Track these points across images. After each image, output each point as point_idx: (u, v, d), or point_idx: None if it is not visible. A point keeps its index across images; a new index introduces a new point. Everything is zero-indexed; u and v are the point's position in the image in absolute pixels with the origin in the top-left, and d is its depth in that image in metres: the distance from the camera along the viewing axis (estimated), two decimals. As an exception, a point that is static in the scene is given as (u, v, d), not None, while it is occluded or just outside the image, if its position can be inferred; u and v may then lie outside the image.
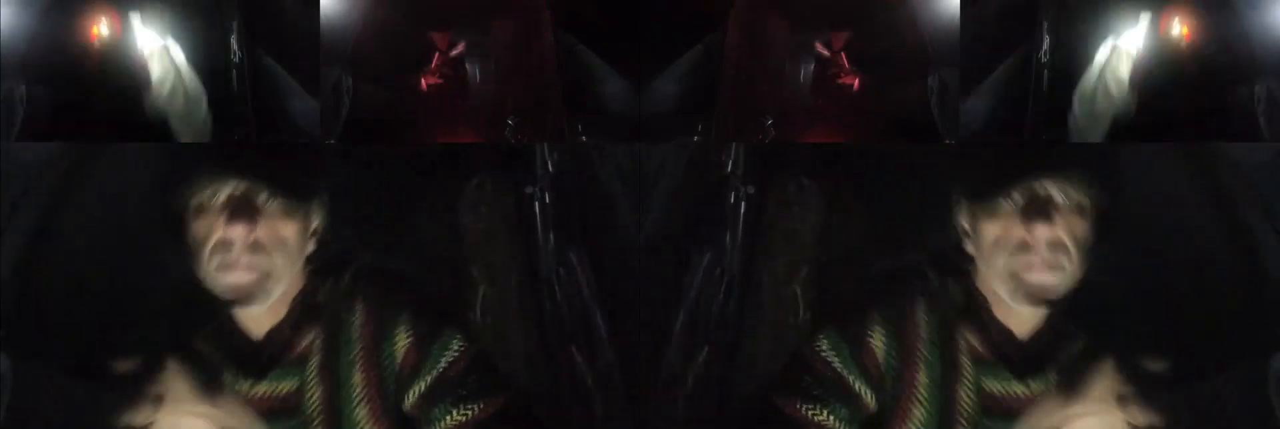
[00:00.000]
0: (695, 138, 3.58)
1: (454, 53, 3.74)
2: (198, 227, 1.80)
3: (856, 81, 3.71)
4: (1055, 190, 1.77)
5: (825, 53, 3.72)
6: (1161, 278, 2.93)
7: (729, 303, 2.92)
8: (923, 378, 1.78)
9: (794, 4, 3.80)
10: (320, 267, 1.92)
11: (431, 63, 3.76)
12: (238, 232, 1.78)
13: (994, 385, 1.77)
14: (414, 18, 3.79)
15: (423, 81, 3.72)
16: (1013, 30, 3.66)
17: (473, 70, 3.73)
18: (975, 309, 1.77)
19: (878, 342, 1.87)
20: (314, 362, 1.80)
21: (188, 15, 3.47)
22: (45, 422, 2.71)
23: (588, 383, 2.92)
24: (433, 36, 3.75)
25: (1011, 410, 1.76)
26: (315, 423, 1.79)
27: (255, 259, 1.79)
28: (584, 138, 3.60)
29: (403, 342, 1.89)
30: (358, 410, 1.80)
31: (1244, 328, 2.74)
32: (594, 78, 3.80)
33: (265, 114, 3.57)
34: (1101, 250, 2.96)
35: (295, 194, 1.83)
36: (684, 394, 2.93)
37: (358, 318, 1.90)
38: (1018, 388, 1.78)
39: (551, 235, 2.97)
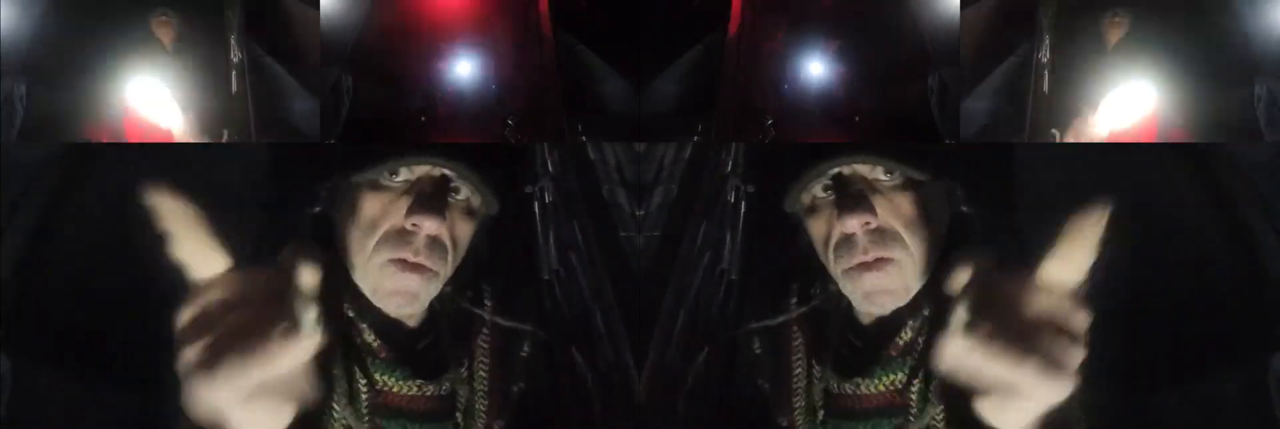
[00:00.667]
0: (695, 138, 3.58)
1: (454, 53, 3.75)
2: (369, 205, 1.48)
3: (856, 83, 3.72)
4: (867, 167, 1.53)
5: (825, 53, 3.73)
6: (1161, 278, 2.93)
7: (729, 303, 2.91)
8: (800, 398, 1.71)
9: (794, 4, 3.80)
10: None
11: (431, 64, 3.76)
12: (424, 222, 1.46)
13: (839, 387, 1.65)
14: (414, 18, 3.79)
15: (422, 82, 3.73)
16: (1013, 30, 3.66)
17: (473, 70, 3.73)
18: (840, 317, 1.65)
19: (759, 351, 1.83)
20: (471, 368, 1.67)
21: (188, 15, 3.48)
22: (45, 422, 2.71)
23: (588, 383, 2.92)
24: (432, 37, 3.75)
25: (854, 415, 1.61)
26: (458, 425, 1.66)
27: (435, 258, 1.51)
28: (584, 138, 3.60)
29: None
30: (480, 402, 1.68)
31: (1244, 328, 2.74)
32: (594, 78, 3.80)
33: (265, 114, 3.57)
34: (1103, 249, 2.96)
35: (491, 182, 1.53)
36: (684, 394, 2.92)
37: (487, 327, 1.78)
38: (856, 388, 1.65)
39: (551, 235, 2.97)
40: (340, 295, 1.56)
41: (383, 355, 1.60)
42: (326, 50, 3.61)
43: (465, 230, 1.65)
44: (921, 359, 1.56)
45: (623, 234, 3.09)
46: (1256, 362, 2.67)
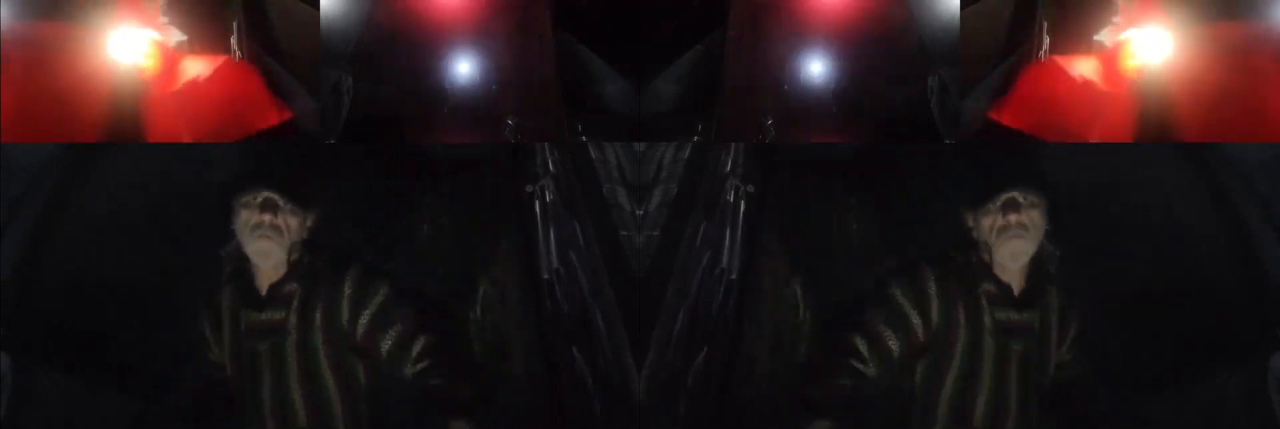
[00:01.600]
0: (695, 138, 3.58)
1: (454, 53, 3.74)
2: (243, 214, 2.68)
3: (856, 83, 3.72)
4: (1019, 194, 2.67)
5: (825, 53, 3.73)
6: (1162, 278, 2.93)
7: (729, 303, 2.91)
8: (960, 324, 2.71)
9: (794, 4, 3.80)
10: (316, 249, 2.75)
11: (431, 64, 3.76)
12: (267, 218, 2.67)
13: (1002, 315, 2.70)
14: (414, 18, 3.79)
15: (422, 82, 3.73)
16: (1013, 30, 3.66)
17: (473, 70, 3.73)
18: (986, 272, 2.71)
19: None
20: (296, 303, 2.71)
21: (189, 15, 3.47)
22: (45, 421, 2.71)
23: (588, 383, 2.92)
24: (432, 37, 3.75)
25: (1015, 330, 2.69)
26: (291, 338, 2.71)
27: (275, 235, 2.70)
28: (584, 138, 3.60)
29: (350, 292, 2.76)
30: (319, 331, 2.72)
31: (1244, 328, 2.75)
32: (594, 78, 3.80)
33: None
34: (1104, 249, 2.97)
35: (300, 201, 2.69)
36: (684, 394, 2.93)
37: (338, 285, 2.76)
38: (1017, 316, 2.70)
39: (551, 235, 2.97)
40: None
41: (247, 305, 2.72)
42: (326, 50, 3.61)
43: (293, 221, 2.68)
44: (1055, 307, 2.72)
45: (623, 234, 3.09)
46: (1256, 362, 2.67)
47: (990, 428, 2.64)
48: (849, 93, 3.71)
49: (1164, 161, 3.01)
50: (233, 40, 3.52)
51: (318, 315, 2.67)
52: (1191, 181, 2.96)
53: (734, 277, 2.92)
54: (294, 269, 2.67)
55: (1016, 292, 2.64)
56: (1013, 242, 2.58)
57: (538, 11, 3.78)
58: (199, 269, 2.72)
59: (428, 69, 3.74)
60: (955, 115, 3.58)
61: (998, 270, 2.65)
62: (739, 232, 2.95)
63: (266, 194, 2.65)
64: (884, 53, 3.74)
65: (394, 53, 3.77)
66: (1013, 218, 2.60)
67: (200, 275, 2.70)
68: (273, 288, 2.66)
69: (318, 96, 3.61)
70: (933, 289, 2.67)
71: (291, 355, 2.65)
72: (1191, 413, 2.79)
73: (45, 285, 2.86)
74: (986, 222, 2.62)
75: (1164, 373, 2.82)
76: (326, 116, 3.60)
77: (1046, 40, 3.52)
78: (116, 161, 3.01)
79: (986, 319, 2.64)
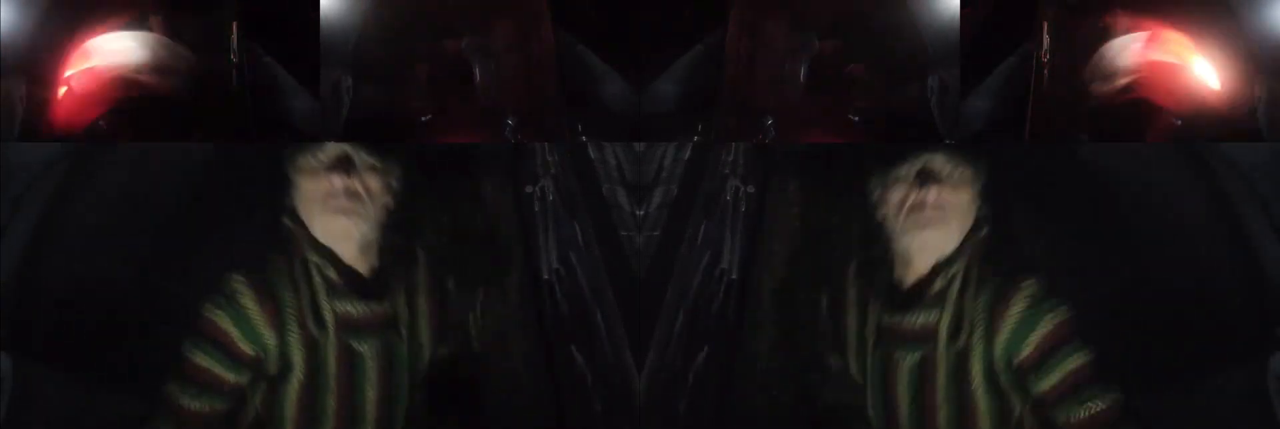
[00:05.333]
0: (695, 138, 3.58)
1: (454, 53, 3.75)
2: (306, 184, 2.14)
3: (855, 82, 3.72)
4: (943, 160, 2.15)
5: (825, 53, 3.73)
6: (1161, 278, 2.93)
7: (729, 303, 2.92)
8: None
9: (794, 4, 3.80)
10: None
11: (432, 63, 3.76)
12: (335, 179, 2.13)
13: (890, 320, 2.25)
14: (414, 18, 3.79)
15: (423, 81, 3.73)
16: (1013, 30, 3.66)
17: (473, 70, 3.73)
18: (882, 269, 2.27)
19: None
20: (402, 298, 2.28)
21: (188, 15, 3.47)
22: (45, 421, 2.71)
23: (588, 383, 2.92)
24: (432, 37, 3.76)
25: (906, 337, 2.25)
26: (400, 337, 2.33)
27: (351, 202, 2.15)
28: (584, 138, 3.60)
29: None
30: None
31: (1244, 328, 2.75)
32: (594, 78, 3.80)
33: (265, 114, 3.57)
34: (1103, 249, 2.97)
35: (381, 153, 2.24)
36: (684, 394, 2.93)
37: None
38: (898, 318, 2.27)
39: (551, 235, 2.97)
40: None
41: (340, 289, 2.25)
42: (326, 50, 3.61)
43: (372, 181, 2.21)
44: (951, 304, 2.19)
45: (623, 234, 3.10)
46: (1256, 362, 2.67)
47: None
48: (849, 93, 3.71)
49: (1164, 161, 3.01)
50: (232, 40, 3.52)
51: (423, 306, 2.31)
52: (1191, 182, 2.96)
53: (734, 277, 2.93)
54: (386, 252, 2.22)
55: (907, 286, 2.15)
56: (925, 231, 2.07)
57: (537, 11, 3.78)
58: (200, 268, 2.72)
59: (428, 69, 3.73)
60: (955, 115, 3.58)
61: (898, 265, 2.19)
62: (739, 232, 2.95)
63: (337, 150, 2.15)
64: (884, 53, 3.73)
65: (394, 53, 3.77)
66: (933, 193, 2.08)
67: (200, 274, 2.70)
68: (378, 276, 2.23)
69: (318, 96, 3.61)
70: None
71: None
72: (1191, 413, 2.80)
73: (46, 285, 2.86)
74: (896, 193, 2.12)
75: (1163, 372, 2.82)
76: (327, 116, 3.60)
77: (1046, 40, 3.52)
78: (118, 161, 3.01)
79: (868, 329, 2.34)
